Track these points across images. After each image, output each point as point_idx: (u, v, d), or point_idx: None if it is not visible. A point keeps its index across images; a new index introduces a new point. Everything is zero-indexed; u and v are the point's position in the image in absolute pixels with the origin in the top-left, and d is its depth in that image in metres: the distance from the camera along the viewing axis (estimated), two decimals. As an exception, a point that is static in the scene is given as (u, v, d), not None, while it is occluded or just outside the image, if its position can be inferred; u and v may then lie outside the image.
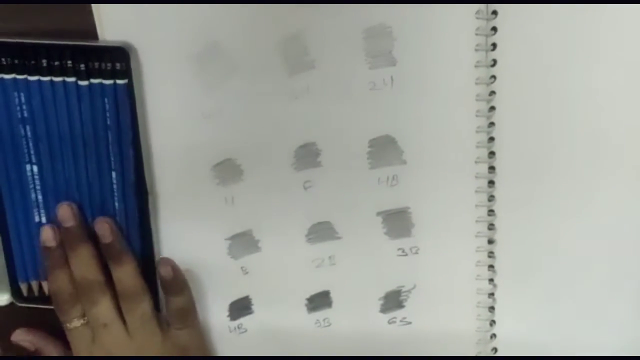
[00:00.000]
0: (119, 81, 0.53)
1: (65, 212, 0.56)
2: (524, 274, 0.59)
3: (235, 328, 0.61)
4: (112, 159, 0.55)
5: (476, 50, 0.52)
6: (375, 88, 0.53)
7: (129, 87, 0.53)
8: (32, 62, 0.53)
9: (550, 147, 0.55)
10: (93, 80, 0.53)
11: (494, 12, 0.51)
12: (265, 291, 0.60)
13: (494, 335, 0.60)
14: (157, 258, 0.58)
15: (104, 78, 0.53)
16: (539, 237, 0.57)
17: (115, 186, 0.56)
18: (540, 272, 0.58)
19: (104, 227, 0.56)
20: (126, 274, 0.57)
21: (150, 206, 0.57)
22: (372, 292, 0.59)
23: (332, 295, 0.59)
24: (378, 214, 0.57)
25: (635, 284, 0.58)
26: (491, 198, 0.56)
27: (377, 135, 0.55)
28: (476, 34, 0.52)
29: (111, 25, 0.53)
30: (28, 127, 0.55)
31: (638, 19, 0.50)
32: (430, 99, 0.54)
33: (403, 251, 0.58)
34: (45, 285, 0.60)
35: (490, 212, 0.57)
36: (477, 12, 0.51)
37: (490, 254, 0.58)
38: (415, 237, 0.57)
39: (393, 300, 0.59)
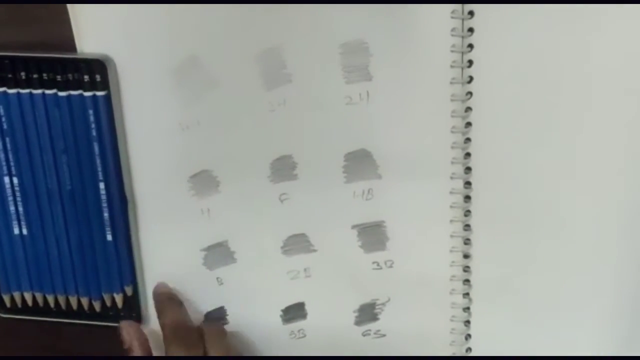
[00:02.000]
0: (98, 93, 0.54)
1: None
2: (500, 288, 0.59)
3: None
4: (99, 169, 0.56)
5: (452, 66, 0.53)
6: (351, 102, 0.54)
7: (108, 99, 0.54)
8: (10, 75, 0.54)
9: (528, 161, 0.55)
10: (73, 92, 0.54)
11: (470, 30, 0.51)
12: (240, 302, 0.60)
13: (469, 349, 0.61)
14: (139, 266, 0.59)
15: (84, 90, 0.54)
16: (515, 252, 0.57)
17: (103, 196, 0.57)
18: (516, 286, 0.58)
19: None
20: None
21: (131, 215, 0.57)
22: (346, 305, 0.59)
23: (307, 307, 0.60)
24: (353, 227, 0.57)
25: (610, 300, 0.59)
26: (467, 213, 0.56)
27: (353, 149, 0.55)
28: (452, 51, 0.52)
29: (89, 37, 0.53)
30: (7, 139, 0.55)
31: (618, 19, 0.51)
32: (406, 114, 0.54)
33: (378, 264, 0.58)
34: (27, 296, 0.60)
35: (466, 226, 0.57)
36: (453, 29, 0.51)
37: (466, 269, 0.58)
38: (390, 251, 0.58)
39: (367, 313, 0.60)
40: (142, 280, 0.60)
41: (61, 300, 0.60)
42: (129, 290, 0.59)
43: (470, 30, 0.52)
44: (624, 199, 0.55)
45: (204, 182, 0.56)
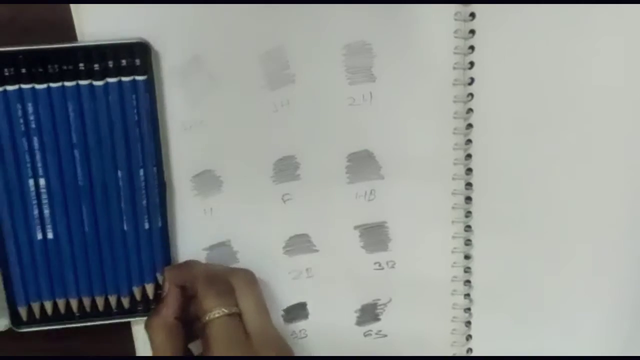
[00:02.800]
0: (138, 77, 0.52)
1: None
2: (501, 289, 0.59)
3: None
4: (140, 155, 0.54)
5: (454, 68, 0.53)
6: (354, 103, 0.54)
7: (149, 83, 0.53)
8: (40, 69, 0.52)
9: (528, 163, 0.55)
10: (110, 80, 0.52)
11: (472, 31, 0.52)
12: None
13: (470, 350, 0.61)
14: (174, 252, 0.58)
15: (123, 76, 0.52)
16: (515, 253, 0.58)
17: (142, 183, 0.55)
18: (517, 288, 0.59)
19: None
20: None
21: (168, 201, 0.56)
22: (348, 305, 0.59)
23: (308, 307, 0.60)
24: (355, 227, 0.57)
25: (610, 301, 0.59)
26: (468, 214, 0.57)
27: (356, 150, 0.55)
28: (454, 53, 0.52)
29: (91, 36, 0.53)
30: (35, 139, 0.53)
31: (619, 20, 0.51)
32: (409, 115, 0.54)
33: (380, 265, 0.58)
34: (47, 305, 0.58)
35: (467, 228, 0.57)
36: (456, 30, 0.52)
37: (467, 270, 0.58)
38: (392, 252, 0.58)
39: (369, 313, 0.60)
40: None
41: (86, 302, 0.58)
42: (161, 278, 0.58)
43: (472, 32, 0.52)
44: (624, 200, 0.56)
45: (206, 182, 0.56)
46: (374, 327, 0.60)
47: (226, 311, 0.53)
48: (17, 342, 0.59)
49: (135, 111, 0.53)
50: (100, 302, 0.58)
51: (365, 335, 0.60)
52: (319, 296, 0.59)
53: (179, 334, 0.55)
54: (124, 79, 0.52)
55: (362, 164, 0.56)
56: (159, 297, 0.57)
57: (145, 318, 0.57)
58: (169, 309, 0.56)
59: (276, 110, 0.55)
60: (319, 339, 0.60)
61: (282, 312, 0.60)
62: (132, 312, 0.58)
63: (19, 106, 0.52)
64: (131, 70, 0.52)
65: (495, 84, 0.53)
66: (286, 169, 0.56)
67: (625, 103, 0.54)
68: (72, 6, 0.51)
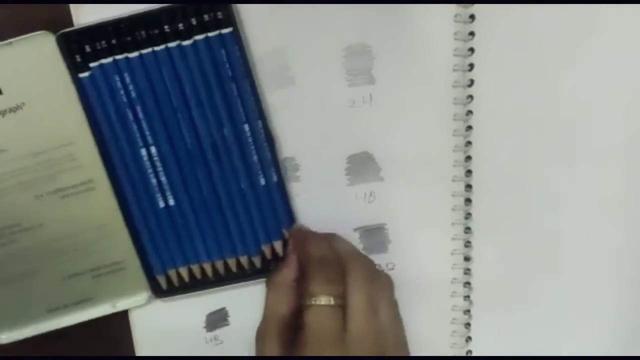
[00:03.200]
0: (223, 31, 0.52)
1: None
2: (500, 291, 0.59)
3: (211, 339, 0.61)
4: (241, 111, 0.54)
5: (454, 70, 0.53)
6: (354, 105, 0.54)
7: (236, 34, 0.53)
8: (128, 38, 0.52)
9: (528, 164, 0.55)
10: (197, 37, 0.52)
11: (472, 33, 0.52)
12: (241, 303, 0.60)
13: (469, 352, 0.61)
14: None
15: (209, 31, 0.52)
16: (515, 255, 0.58)
17: (249, 139, 0.55)
18: (517, 289, 0.58)
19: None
20: None
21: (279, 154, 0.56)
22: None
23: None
24: (355, 229, 0.57)
25: (611, 303, 0.59)
26: (468, 216, 0.57)
27: (356, 151, 0.55)
28: (454, 55, 0.52)
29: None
30: (138, 108, 0.54)
31: (619, 20, 0.51)
32: (408, 117, 0.54)
33: (379, 267, 0.58)
34: (183, 271, 0.58)
35: (467, 229, 0.57)
36: (456, 32, 0.52)
37: (467, 271, 0.58)
38: (392, 254, 0.58)
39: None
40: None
41: (219, 265, 0.58)
42: (287, 234, 0.57)
43: (472, 33, 0.52)
44: (624, 202, 0.56)
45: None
46: (375, 327, 0.60)
47: (331, 302, 0.51)
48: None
49: (227, 66, 0.53)
50: (232, 264, 0.58)
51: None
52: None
53: (294, 298, 0.54)
54: (210, 34, 0.52)
55: (362, 166, 0.56)
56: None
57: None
58: (290, 270, 0.55)
59: (276, 111, 0.55)
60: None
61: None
62: (265, 271, 0.58)
63: (117, 78, 0.53)
64: (216, 24, 0.52)
65: (495, 85, 0.53)
66: (286, 170, 0.56)
67: (627, 104, 0.54)
68: (72, 6, 0.52)
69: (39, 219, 0.55)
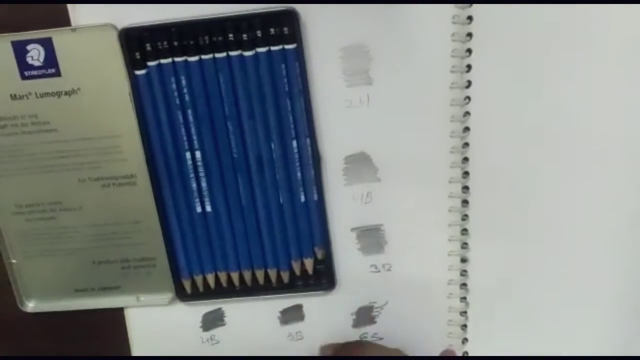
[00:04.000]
0: (287, 46, 0.52)
1: None
2: (497, 292, 0.59)
3: (208, 339, 0.61)
4: (292, 127, 0.55)
5: (451, 71, 0.53)
6: (351, 106, 0.54)
7: (299, 51, 0.52)
8: (191, 41, 0.52)
9: (525, 166, 0.56)
10: (260, 50, 0.52)
11: (469, 34, 0.52)
12: (237, 303, 0.60)
13: (465, 353, 0.61)
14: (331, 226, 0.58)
15: (272, 45, 0.52)
16: (512, 256, 0.58)
17: (296, 155, 0.55)
18: (513, 291, 0.59)
19: None
20: None
21: (323, 173, 0.56)
22: (344, 307, 0.59)
23: (304, 309, 0.60)
24: (352, 229, 0.57)
25: (607, 304, 0.59)
26: (465, 217, 0.57)
27: (353, 152, 0.55)
28: (451, 55, 0.52)
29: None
30: (189, 112, 0.54)
31: (616, 19, 0.51)
32: (406, 118, 0.54)
33: (376, 267, 0.58)
34: (210, 278, 0.59)
35: (464, 231, 0.57)
36: (453, 34, 0.52)
37: (463, 273, 0.58)
38: (388, 254, 0.58)
39: (365, 316, 0.60)
40: (333, 242, 0.58)
41: (247, 276, 0.59)
42: (320, 253, 0.58)
43: (469, 34, 0.52)
44: (622, 204, 0.56)
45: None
46: (370, 329, 0.60)
47: None
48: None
49: (285, 81, 0.53)
50: (260, 275, 0.58)
51: (361, 337, 0.60)
52: (315, 298, 0.59)
53: None
54: (273, 48, 0.52)
55: (359, 167, 0.56)
56: (320, 275, 0.58)
57: (301, 294, 0.59)
58: None
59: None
60: (315, 340, 0.60)
61: (278, 314, 0.60)
62: (291, 287, 0.59)
63: (173, 79, 0.53)
64: (280, 39, 0.52)
65: (492, 87, 0.54)
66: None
67: (625, 105, 0.54)
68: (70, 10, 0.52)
69: (79, 201, 0.56)
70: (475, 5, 0.51)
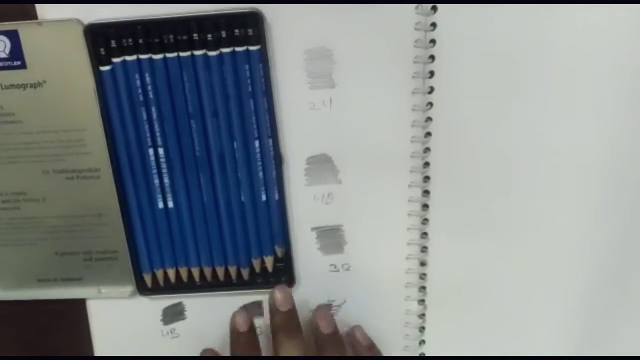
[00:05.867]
0: (251, 47, 0.53)
1: (284, 296, 0.57)
2: (455, 295, 0.60)
3: (168, 332, 0.62)
4: (255, 127, 0.55)
5: (414, 77, 0.54)
6: (314, 108, 0.55)
7: (262, 53, 0.53)
8: (156, 39, 0.52)
9: (485, 173, 0.56)
10: (224, 50, 0.53)
11: (432, 41, 0.52)
12: (198, 298, 0.61)
13: (422, 354, 0.62)
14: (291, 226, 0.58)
15: (236, 46, 0.53)
16: (471, 261, 0.59)
17: (257, 155, 0.56)
18: (471, 295, 0.60)
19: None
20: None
21: (284, 173, 0.57)
22: (303, 304, 0.60)
23: (264, 305, 0.61)
24: (312, 229, 0.58)
25: (564, 308, 0.60)
26: (424, 221, 0.57)
27: (315, 153, 0.56)
28: (414, 62, 0.53)
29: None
30: (153, 109, 0.54)
31: (584, 17, 0.52)
32: (367, 122, 0.55)
33: (335, 267, 0.59)
34: (170, 273, 0.59)
35: (423, 234, 0.58)
36: (416, 40, 0.52)
37: (422, 276, 0.59)
38: (347, 254, 0.59)
39: (323, 314, 0.60)
40: (293, 241, 0.59)
41: (207, 272, 0.59)
42: (280, 252, 0.59)
43: (432, 41, 0.52)
44: (583, 198, 0.57)
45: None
46: (328, 327, 0.61)
47: None
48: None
49: (249, 82, 0.54)
50: (220, 272, 0.59)
51: (319, 334, 0.61)
52: (276, 295, 0.60)
53: None
54: (237, 48, 0.53)
55: (320, 168, 0.56)
56: (279, 272, 0.59)
57: (261, 291, 0.60)
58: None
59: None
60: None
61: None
62: (251, 284, 0.60)
63: (137, 76, 0.53)
64: (244, 40, 0.53)
65: (454, 92, 0.54)
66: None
67: (595, 105, 0.54)
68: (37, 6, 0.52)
69: (43, 193, 0.57)
70: (439, 12, 0.52)
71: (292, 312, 0.58)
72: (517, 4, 0.51)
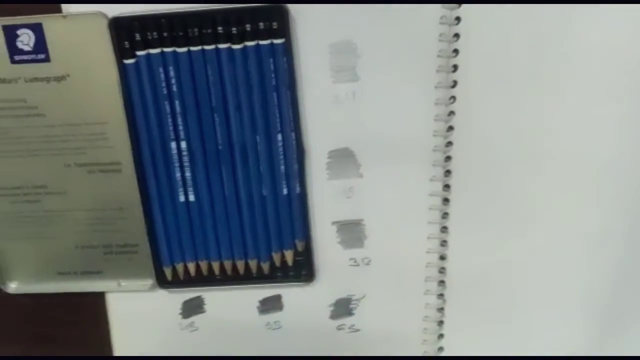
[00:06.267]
0: (276, 41, 0.52)
1: None
2: (475, 289, 0.60)
3: (187, 326, 0.62)
4: (278, 120, 0.55)
5: (437, 71, 0.53)
6: (337, 101, 0.54)
7: (287, 46, 0.53)
8: (180, 33, 0.52)
9: (506, 168, 0.56)
10: (249, 43, 0.53)
11: (456, 35, 0.52)
12: (217, 291, 0.60)
13: (441, 349, 0.62)
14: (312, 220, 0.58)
15: (261, 39, 0.52)
16: (490, 254, 0.59)
17: (280, 149, 0.56)
18: (491, 288, 0.60)
19: None
20: None
21: (307, 167, 0.57)
22: (322, 299, 0.60)
23: (283, 299, 0.60)
24: (333, 223, 0.58)
25: (584, 299, 0.60)
26: (445, 215, 0.57)
27: (337, 147, 0.56)
28: (438, 56, 0.53)
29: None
30: (177, 102, 0.54)
31: (604, 18, 0.52)
32: (390, 116, 0.55)
33: (355, 261, 0.59)
34: (191, 266, 0.59)
35: (444, 228, 0.58)
36: (441, 34, 0.52)
37: (442, 270, 0.59)
38: (368, 249, 0.59)
39: (343, 308, 0.60)
40: (313, 235, 0.59)
41: (227, 266, 0.59)
42: (300, 246, 0.59)
43: (456, 35, 0.52)
44: (603, 196, 0.57)
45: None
46: (347, 321, 0.61)
47: None
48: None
49: (272, 75, 0.53)
50: (240, 266, 0.59)
51: (338, 329, 0.61)
52: (294, 289, 0.60)
53: None
54: (262, 42, 0.52)
55: (342, 162, 0.56)
56: (300, 266, 0.59)
57: (280, 285, 0.59)
58: None
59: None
60: (293, 330, 0.61)
61: (257, 304, 0.60)
62: (271, 278, 0.60)
63: (161, 70, 0.53)
64: (269, 33, 0.52)
65: (477, 87, 0.54)
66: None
67: (610, 96, 0.54)
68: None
69: (64, 186, 0.57)
70: (463, 7, 0.52)
71: None
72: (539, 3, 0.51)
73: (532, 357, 0.61)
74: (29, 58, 0.53)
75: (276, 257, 0.59)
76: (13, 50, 0.53)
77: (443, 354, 0.62)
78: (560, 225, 0.58)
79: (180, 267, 0.59)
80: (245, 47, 0.52)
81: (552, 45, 0.52)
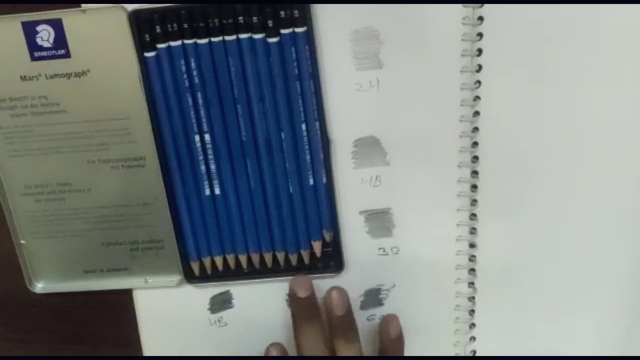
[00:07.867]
0: (297, 29, 0.52)
1: (303, 283, 0.57)
2: (505, 278, 0.59)
3: (215, 321, 0.61)
4: (301, 110, 0.54)
5: (462, 55, 0.53)
6: (361, 89, 0.54)
7: (309, 35, 0.52)
8: (201, 24, 0.52)
9: (534, 154, 0.55)
10: (269, 33, 0.52)
11: (480, 18, 0.52)
12: (245, 285, 0.60)
13: (473, 338, 0.61)
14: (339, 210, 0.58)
15: (283, 28, 0.52)
16: (520, 242, 0.58)
17: (304, 139, 0.55)
18: (521, 276, 0.59)
19: (339, 298, 0.57)
20: (352, 353, 0.57)
21: (332, 156, 0.56)
22: (352, 290, 0.59)
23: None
24: (361, 212, 0.57)
25: (614, 292, 0.59)
26: (473, 202, 0.57)
27: (362, 135, 0.55)
28: (462, 40, 0.52)
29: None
30: (199, 94, 0.54)
31: (629, 26, 0.51)
32: (415, 102, 0.54)
33: (384, 251, 0.58)
34: (218, 260, 0.59)
35: (473, 216, 0.57)
36: (464, 17, 0.51)
37: (472, 258, 0.58)
38: (396, 238, 0.58)
39: (372, 298, 0.60)
40: (341, 225, 0.58)
41: (255, 259, 0.59)
42: (328, 236, 0.58)
43: (480, 18, 0.52)
44: (632, 190, 0.56)
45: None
46: (378, 311, 0.60)
47: None
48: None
49: (295, 64, 0.53)
50: (268, 259, 0.59)
51: (368, 319, 0.60)
52: (324, 280, 0.59)
53: None
54: (284, 31, 0.52)
55: (368, 150, 0.56)
56: (328, 257, 0.58)
57: (312, 276, 0.59)
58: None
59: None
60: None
61: (285, 297, 0.60)
62: (300, 270, 0.59)
63: (182, 62, 0.53)
64: (290, 22, 0.52)
65: (503, 71, 0.53)
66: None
67: (636, 99, 0.53)
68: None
69: (88, 183, 0.56)
70: (486, 6, 0.51)
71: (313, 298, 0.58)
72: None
73: (559, 357, 0.61)
74: (49, 54, 0.52)
75: (304, 249, 0.58)
76: (33, 46, 0.52)
77: (475, 343, 0.61)
78: (590, 208, 0.57)
79: (207, 261, 0.59)
80: (266, 36, 0.52)
81: (579, 41, 0.52)
